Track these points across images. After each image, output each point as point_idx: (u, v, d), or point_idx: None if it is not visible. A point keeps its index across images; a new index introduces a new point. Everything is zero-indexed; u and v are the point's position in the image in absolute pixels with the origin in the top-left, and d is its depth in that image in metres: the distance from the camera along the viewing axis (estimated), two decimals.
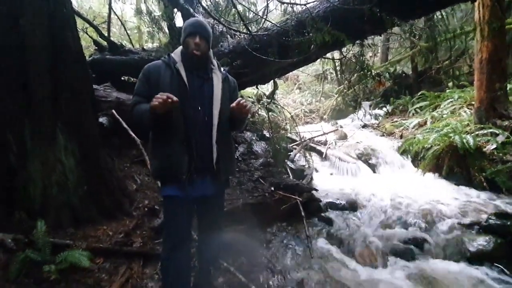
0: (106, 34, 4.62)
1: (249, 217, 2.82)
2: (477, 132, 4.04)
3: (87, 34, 4.49)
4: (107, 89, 3.50)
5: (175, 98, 1.33)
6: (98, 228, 2.20)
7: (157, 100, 1.32)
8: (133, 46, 5.43)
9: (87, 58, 3.84)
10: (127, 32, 5.89)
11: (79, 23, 3.82)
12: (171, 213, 1.58)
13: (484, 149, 3.86)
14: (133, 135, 3.00)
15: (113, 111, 3.13)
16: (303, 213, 2.94)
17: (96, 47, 4.48)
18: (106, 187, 2.34)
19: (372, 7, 2.48)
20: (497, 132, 3.90)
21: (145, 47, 4.78)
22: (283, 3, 2.93)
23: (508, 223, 2.37)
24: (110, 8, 4.96)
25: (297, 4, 2.90)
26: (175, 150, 1.47)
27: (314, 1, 3.02)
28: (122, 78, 4.68)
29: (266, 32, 3.24)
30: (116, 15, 5.74)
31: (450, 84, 7.24)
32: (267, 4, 3.25)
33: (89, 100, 2.34)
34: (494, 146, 3.80)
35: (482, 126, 4.14)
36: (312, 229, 2.91)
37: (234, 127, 1.66)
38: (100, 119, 2.85)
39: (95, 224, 2.24)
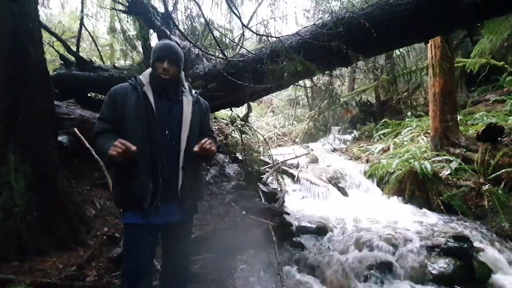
0: (74, 49, 4.45)
1: (220, 244, 2.71)
2: (433, 159, 4.39)
3: (53, 48, 4.28)
4: (70, 106, 3.30)
5: (133, 148, 1.30)
6: (47, 260, 1.96)
7: (115, 150, 1.28)
8: (104, 63, 5.28)
9: (51, 72, 3.64)
10: (98, 49, 5.73)
11: (46, 36, 3.66)
12: (132, 242, 1.46)
13: (440, 175, 4.17)
14: (96, 156, 2.81)
15: (76, 129, 2.93)
16: (274, 238, 2.89)
17: (62, 62, 4.28)
18: (61, 213, 2.12)
19: (339, 44, 2.68)
20: (450, 159, 4.26)
21: (116, 65, 4.66)
22: (258, 35, 3.07)
23: (465, 245, 2.52)
24: (82, 23, 4.84)
25: (271, 36, 3.04)
26: (139, 175, 1.39)
27: (287, 34, 3.20)
28: (89, 95, 4.47)
29: (241, 58, 3.34)
30: (88, 30, 5.59)
31: (409, 113, 7.90)
32: (243, 32, 3.38)
33: (48, 118, 2.18)
34: (449, 172, 4.14)
35: (437, 153, 4.51)
36: (283, 255, 2.85)
37: (201, 160, 1.60)
38: (60, 138, 2.64)
39: (44, 256, 1.99)
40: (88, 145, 2.91)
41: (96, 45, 5.74)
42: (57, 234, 2.09)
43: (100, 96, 4.60)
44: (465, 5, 2.77)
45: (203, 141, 1.42)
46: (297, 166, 5.71)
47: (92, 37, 5.69)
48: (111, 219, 2.50)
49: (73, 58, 4.27)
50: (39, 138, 2.12)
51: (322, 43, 2.77)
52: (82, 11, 4.71)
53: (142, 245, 1.43)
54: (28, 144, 2.06)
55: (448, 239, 2.65)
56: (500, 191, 3.39)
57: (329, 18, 3.27)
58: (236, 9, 3.32)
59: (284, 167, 5.52)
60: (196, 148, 1.41)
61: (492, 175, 3.60)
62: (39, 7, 2.40)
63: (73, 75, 4.01)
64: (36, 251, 1.99)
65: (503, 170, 3.50)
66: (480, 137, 4.07)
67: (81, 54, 4.62)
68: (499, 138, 3.96)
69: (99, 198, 2.68)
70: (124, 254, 1.51)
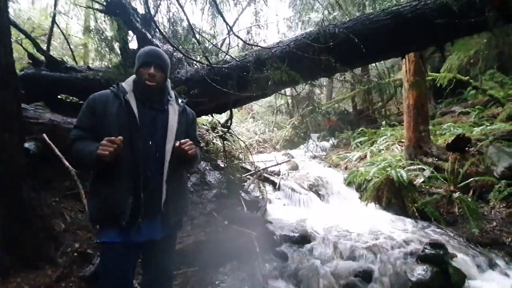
0: (45, 48, 4.15)
1: (201, 257, 2.61)
2: (408, 167, 4.59)
3: (21, 46, 3.97)
4: (39, 109, 3.05)
5: (120, 138, 1.21)
6: (10, 281, 1.76)
7: (106, 149, 1.18)
8: (77, 63, 4.98)
9: (18, 72, 3.36)
10: (70, 48, 5.40)
11: (13, 33, 3.37)
12: (109, 263, 1.34)
13: (415, 182, 4.36)
14: (67, 164, 2.61)
15: (44, 135, 2.70)
16: (258, 250, 2.84)
17: (31, 61, 3.97)
18: (27, 227, 1.92)
19: (328, 57, 2.74)
20: (424, 167, 4.48)
21: (91, 66, 4.42)
22: (248, 44, 3.05)
23: (441, 252, 2.62)
24: (54, 21, 4.54)
25: (258, 46, 3.04)
26: (119, 189, 1.29)
27: (274, 43, 3.22)
28: (59, 97, 4.19)
29: (226, 65, 3.29)
30: (60, 28, 5.26)
31: (383, 122, 8.27)
32: (229, 36, 3.34)
33: (14, 123, 1.98)
34: (422, 179, 4.34)
35: (411, 162, 4.73)
36: (267, 266, 2.81)
37: (182, 166, 1.48)
38: (26, 145, 2.42)
39: (7, 276, 1.79)
40: (58, 153, 2.70)
41: (68, 44, 5.40)
42: (22, 251, 1.88)
43: (71, 98, 4.32)
44: (437, 25, 2.95)
45: (184, 140, 1.35)
46: (278, 174, 5.71)
47: (64, 36, 5.35)
48: (82, 233, 2.30)
49: (42, 57, 3.98)
50: (4, 144, 1.92)
51: (308, 55, 2.81)
52: (55, 7, 4.43)
53: (120, 266, 1.33)
54: None
55: (425, 246, 2.75)
56: (469, 199, 3.60)
57: (313, 29, 3.35)
58: (221, 13, 3.28)
59: (266, 175, 5.50)
60: (176, 143, 1.34)
61: (462, 184, 3.83)
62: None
63: (42, 76, 3.73)
64: None
65: (471, 179, 3.73)
66: (449, 147, 4.33)
67: (52, 53, 4.32)
68: (467, 148, 4.24)
69: (69, 210, 2.47)
70: (101, 276, 1.38)
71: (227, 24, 2.73)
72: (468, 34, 3.44)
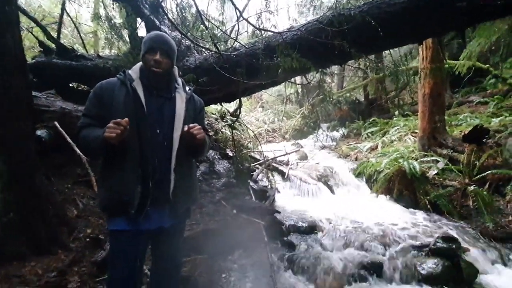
0: (55, 36, 4.17)
1: (210, 244, 2.64)
2: (421, 159, 4.46)
3: (32, 34, 3.99)
4: (50, 97, 3.08)
5: (126, 120, 1.17)
6: (25, 265, 1.82)
7: (113, 131, 1.16)
8: (87, 52, 4.99)
9: (29, 60, 3.40)
10: (80, 36, 5.41)
11: (24, 21, 3.39)
12: (118, 251, 1.36)
13: (428, 174, 4.25)
14: (79, 151, 2.64)
15: (56, 123, 2.74)
16: (266, 239, 2.85)
17: (42, 49, 4.00)
18: (40, 214, 1.97)
19: (342, 42, 2.62)
20: (438, 159, 4.35)
21: (101, 54, 4.42)
22: (258, 29, 2.95)
23: (453, 246, 2.57)
24: (63, 8, 4.53)
25: (269, 31, 2.93)
26: (127, 178, 1.28)
27: (286, 29, 3.10)
28: (71, 85, 4.23)
29: (235, 52, 3.22)
30: (70, 16, 5.26)
31: (396, 112, 8.04)
32: (238, 23, 3.25)
33: (26, 111, 2.00)
34: (436, 172, 4.22)
35: (425, 153, 4.60)
36: (275, 255, 2.82)
37: (191, 154, 1.46)
38: (38, 132, 2.46)
39: (22, 260, 1.85)
40: (69, 140, 2.74)
41: (78, 32, 5.41)
42: (36, 236, 1.94)
43: (82, 87, 4.36)
44: (459, 9, 2.77)
45: (192, 125, 1.32)
46: (287, 163, 5.68)
47: (74, 24, 5.36)
48: (94, 219, 2.35)
49: (53, 46, 4.00)
50: (15, 132, 1.95)
51: (321, 39, 2.69)
52: None
53: (129, 254, 1.34)
54: (3, 139, 1.89)
55: (437, 239, 2.69)
56: (485, 192, 3.49)
57: (324, 14, 3.21)
58: None
59: (274, 164, 5.48)
60: (185, 128, 1.31)
61: (478, 176, 3.70)
62: None
63: (53, 64, 3.75)
64: (13, 256, 1.85)
65: (488, 172, 3.59)
66: (466, 138, 4.17)
67: (62, 41, 4.34)
68: (484, 140, 4.07)
69: (81, 197, 2.52)
70: (110, 263, 1.40)
71: (236, 8, 2.64)
72: (491, 18, 3.23)
